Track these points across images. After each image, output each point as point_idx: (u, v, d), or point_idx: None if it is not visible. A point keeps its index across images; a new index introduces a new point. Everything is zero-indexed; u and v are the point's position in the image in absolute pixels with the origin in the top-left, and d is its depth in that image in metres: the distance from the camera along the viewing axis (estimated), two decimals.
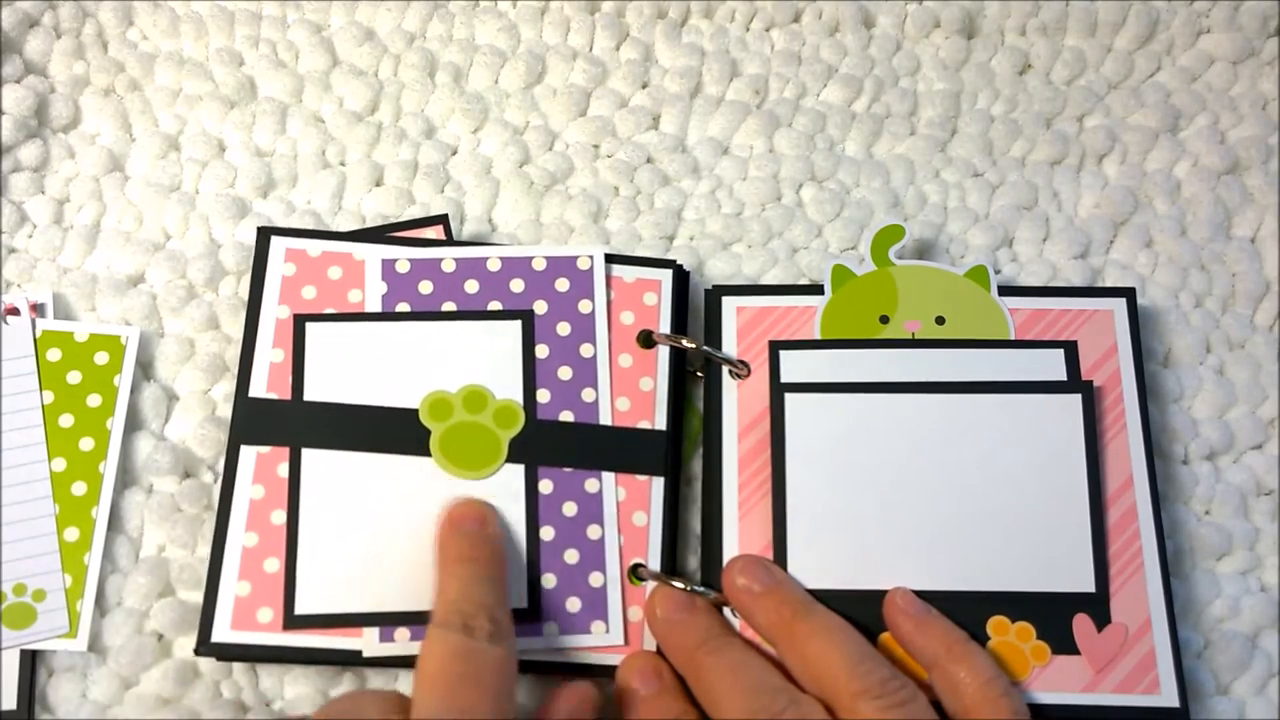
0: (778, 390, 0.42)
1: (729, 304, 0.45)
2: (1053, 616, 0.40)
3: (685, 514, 0.43)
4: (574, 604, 0.40)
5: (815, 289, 0.45)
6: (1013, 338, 0.43)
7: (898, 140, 0.52)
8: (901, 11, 0.54)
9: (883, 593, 0.40)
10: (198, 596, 0.41)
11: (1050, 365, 0.43)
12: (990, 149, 0.51)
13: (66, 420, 0.42)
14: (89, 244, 0.47)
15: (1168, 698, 0.39)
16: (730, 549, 0.41)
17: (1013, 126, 0.52)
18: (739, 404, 0.43)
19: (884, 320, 0.44)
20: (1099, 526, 0.40)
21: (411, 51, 0.52)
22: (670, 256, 0.46)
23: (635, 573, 0.41)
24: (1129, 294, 0.44)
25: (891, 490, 0.41)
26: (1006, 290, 0.45)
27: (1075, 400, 0.42)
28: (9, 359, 0.43)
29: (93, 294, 0.46)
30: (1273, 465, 0.45)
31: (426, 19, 0.53)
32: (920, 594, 0.40)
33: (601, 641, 0.40)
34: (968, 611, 0.40)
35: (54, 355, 0.43)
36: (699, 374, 0.45)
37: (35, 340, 0.44)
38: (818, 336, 0.44)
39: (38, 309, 0.45)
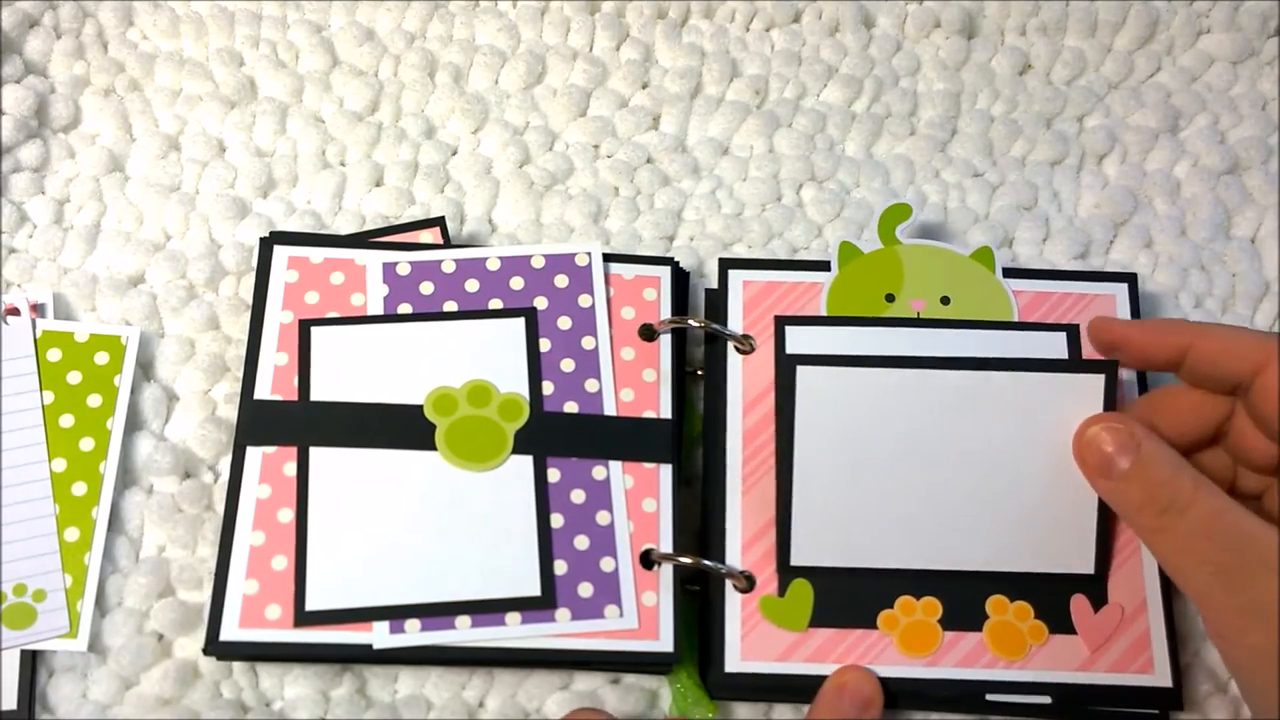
0: (784, 363, 0.41)
1: (735, 278, 0.45)
2: (1051, 596, 0.40)
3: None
4: (586, 589, 0.40)
5: (822, 265, 0.45)
6: (1016, 319, 0.44)
7: (898, 140, 0.52)
8: (901, 11, 0.54)
9: (885, 571, 0.40)
10: (198, 597, 0.41)
11: (1052, 348, 0.43)
12: (990, 149, 0.51)
13: (67, 420, 0.42)
14: (89, 244, 0.47)
15: (1161, 677, 0.39)
16: (733, 525, 0.41)
17: (1013, 126, 0.52)
18: (743, 379, 0.43)
19: (889, 299, 0.44)
20: (1103, 508, 0.40)
21: (411, 51, 0.52)
22: (670, 256, 0.46)
23: (647, 558, 0.40)
24: (1130, 279, 0.45)
25: (897, 467, 0.41)
26: (1011, 273, 0.45)
27: (1098, 380, 0.40)
28: (9, 359, 0.43)
29: (93, 294, 0.46)
30: None
31: (426, 19, 0.53)
32: (921, 572, 0.40)
33: (615, 626, 0.39)
34: (967, 590, 0.40)
35: (54, 355, 0.43)
36: (699, 373, 0.45)
37: (35, 340, 0.43)
38: (824, 313, 0.44)
39: (38, 309, 0.44)
